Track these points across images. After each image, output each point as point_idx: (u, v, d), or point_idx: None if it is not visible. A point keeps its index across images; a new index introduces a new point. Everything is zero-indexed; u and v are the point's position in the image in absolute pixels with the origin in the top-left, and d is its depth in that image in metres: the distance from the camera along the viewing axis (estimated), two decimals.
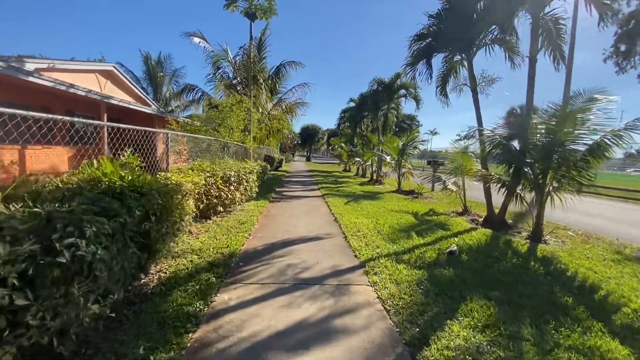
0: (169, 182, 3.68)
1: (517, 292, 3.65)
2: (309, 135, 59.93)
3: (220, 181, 5.82)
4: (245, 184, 7.14)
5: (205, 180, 5.37)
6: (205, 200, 5.50)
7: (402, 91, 16.20)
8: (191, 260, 3.92)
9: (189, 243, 4.59)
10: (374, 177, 17.50)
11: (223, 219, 6.15)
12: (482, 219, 7.87)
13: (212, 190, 5.62)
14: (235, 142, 9.25)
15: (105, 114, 11.39)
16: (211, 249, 4.39)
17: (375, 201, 9.91)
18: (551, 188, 6.17)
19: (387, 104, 16.62)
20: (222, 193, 5.96)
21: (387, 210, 8.41)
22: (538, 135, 6.23)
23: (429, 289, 3.55)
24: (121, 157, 3.49)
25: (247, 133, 9.71)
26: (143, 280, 3.36)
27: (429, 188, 13.14)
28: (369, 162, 18.34)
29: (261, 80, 12.81)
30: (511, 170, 6.79)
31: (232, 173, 6.27)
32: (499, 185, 6.93)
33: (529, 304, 3.38)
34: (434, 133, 52.74)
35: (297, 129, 60.73)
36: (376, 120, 18.20)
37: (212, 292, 3.16)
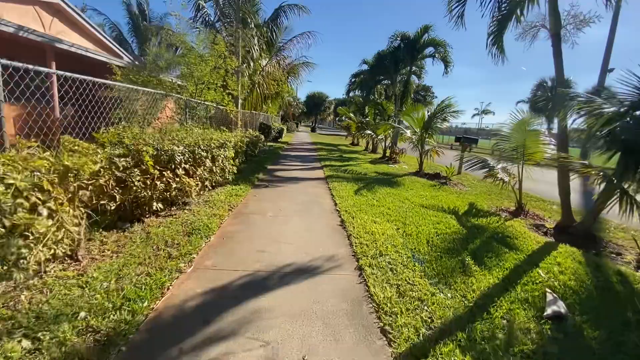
0: None
1: None
2: (315, 104, 56.28)
3: (152, 162, 3.43)
4: (209, 164, 4.75)
5: (113, 163, 3.00)
6: (118, 196, 3.16)
7: (430, 49, 13.16)
8: None
9: (49, 289, 2.30)
10: (387, 154, 14.97)
11: (163, 222, 3.84)
12: (550, 225, 5.52)
13: (133, 178, 3.26)
14: (209, 103, 6.75)
15: (54, 63, 8.84)
16: (84, 313, 2.10)
17: (394, 189, 7.52)
18: None
19: (410, 66, 13.65)
20: (158, 182, 3.61)
21: (413, 205, 6.04)
22: None
23: None
24: None
25: (222, 90, 7.14)
26: None
27: (453, 169, 10.59)
28: (381, 136, 15.71)
29: (252, 25, 9.93)
30: (618, 158, 4.35)
31: (179, 149, 3.86)
32: (598, 180, 4.49)
33: None
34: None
35: (302, 96, 57.24)
36: (394, 86, 15.32)
37: None
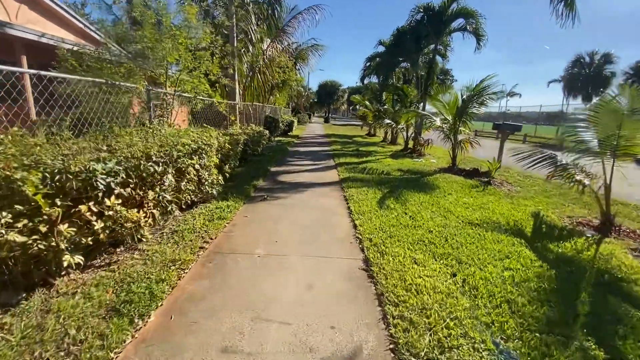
0: None
1: None
2: (327, 94, 54.14)
3: (41, 194, 2.01)
4: (172, 180, 3.31)
5: None
6: None
7: (459, 21, 11.15)
8: None
9: None
10: (410, 146, 13.22)
11: (88, 282, 2.45)
12: None
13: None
14: (187, 94, 5.26)
15: (25, 57, 7.63)
16: None
17: (428, 194, 5.91)
18: None
19: (435, 42, 11.69)
20: (65, 225, 2.20)
21: (461, 221, 4.45)
22: None
23: None
24: None
25: (204, 78, 5.59)
26: None
27: (497, 164, 8.81)
28: (402, 126, 13.93)
29: (249, 0, 8.35)
30: None
31: (107, 166, 2.42)
32: None
33: None
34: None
35: (313, 86, 55.55)
36: (415, 68, 13.43)
37: None
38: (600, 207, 4.65)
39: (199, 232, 3.54)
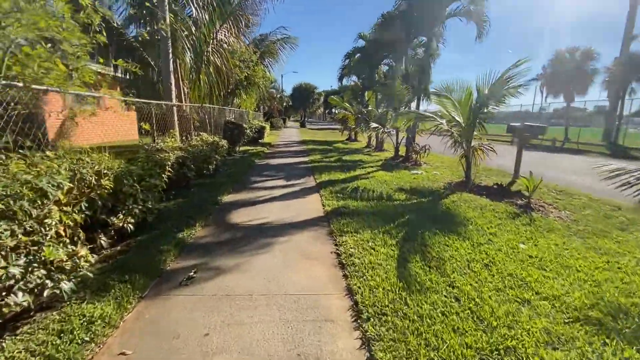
0: None
1: None
2: (302, 97, 51.86)
3: None
4: None
5: None
6: None
7: (456, 5, 9.20)
8: None
9: None
10: (401, 153, 11.19)
11: None
12: None
13: None
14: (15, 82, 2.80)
15: None
16: None
17: (465, 239, 3.74)
18: None
19: (430, 30, 9.70)
20: None
21: (563, 315, 2.26)
22: None
23: None
24: None
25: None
26: None
27: (535, 181, 6.90)
28: (390, 129, 11.91)
29: None
30: None
31: None
32: None
33: None
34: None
35: (287, 89, 53.29)
36: (404, 61, 11.45)
37: None
38: None
39: None
